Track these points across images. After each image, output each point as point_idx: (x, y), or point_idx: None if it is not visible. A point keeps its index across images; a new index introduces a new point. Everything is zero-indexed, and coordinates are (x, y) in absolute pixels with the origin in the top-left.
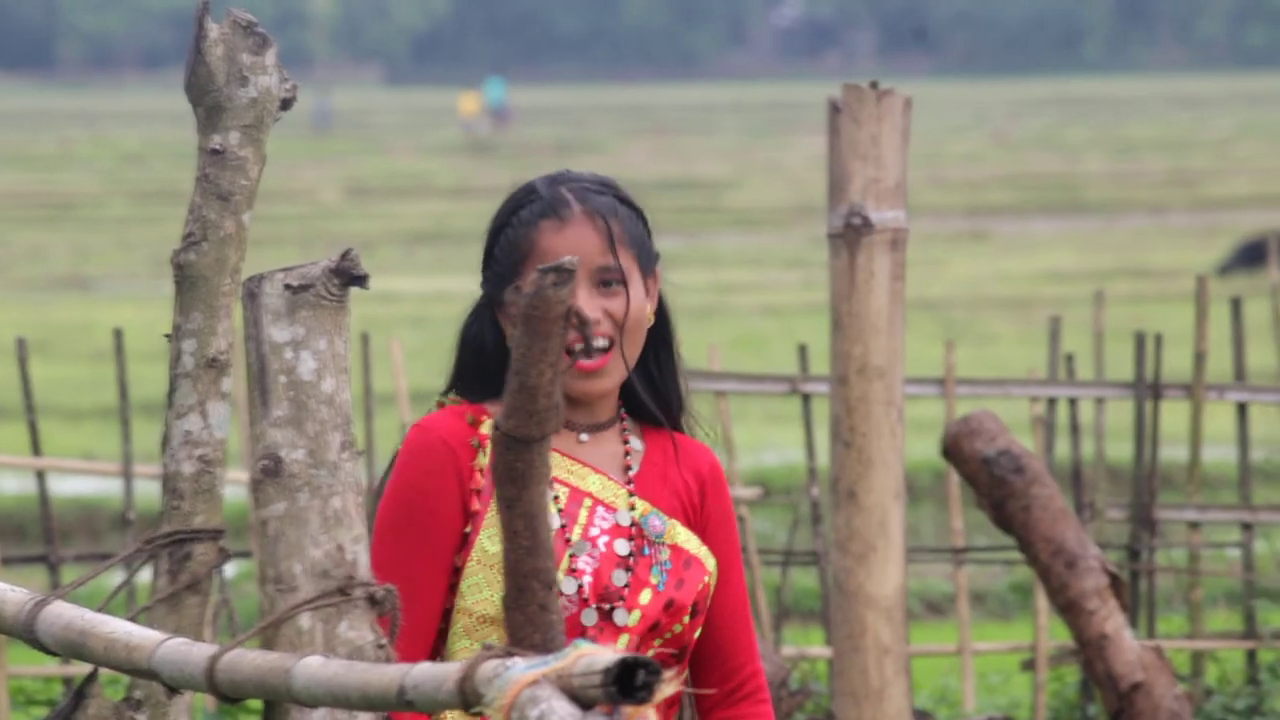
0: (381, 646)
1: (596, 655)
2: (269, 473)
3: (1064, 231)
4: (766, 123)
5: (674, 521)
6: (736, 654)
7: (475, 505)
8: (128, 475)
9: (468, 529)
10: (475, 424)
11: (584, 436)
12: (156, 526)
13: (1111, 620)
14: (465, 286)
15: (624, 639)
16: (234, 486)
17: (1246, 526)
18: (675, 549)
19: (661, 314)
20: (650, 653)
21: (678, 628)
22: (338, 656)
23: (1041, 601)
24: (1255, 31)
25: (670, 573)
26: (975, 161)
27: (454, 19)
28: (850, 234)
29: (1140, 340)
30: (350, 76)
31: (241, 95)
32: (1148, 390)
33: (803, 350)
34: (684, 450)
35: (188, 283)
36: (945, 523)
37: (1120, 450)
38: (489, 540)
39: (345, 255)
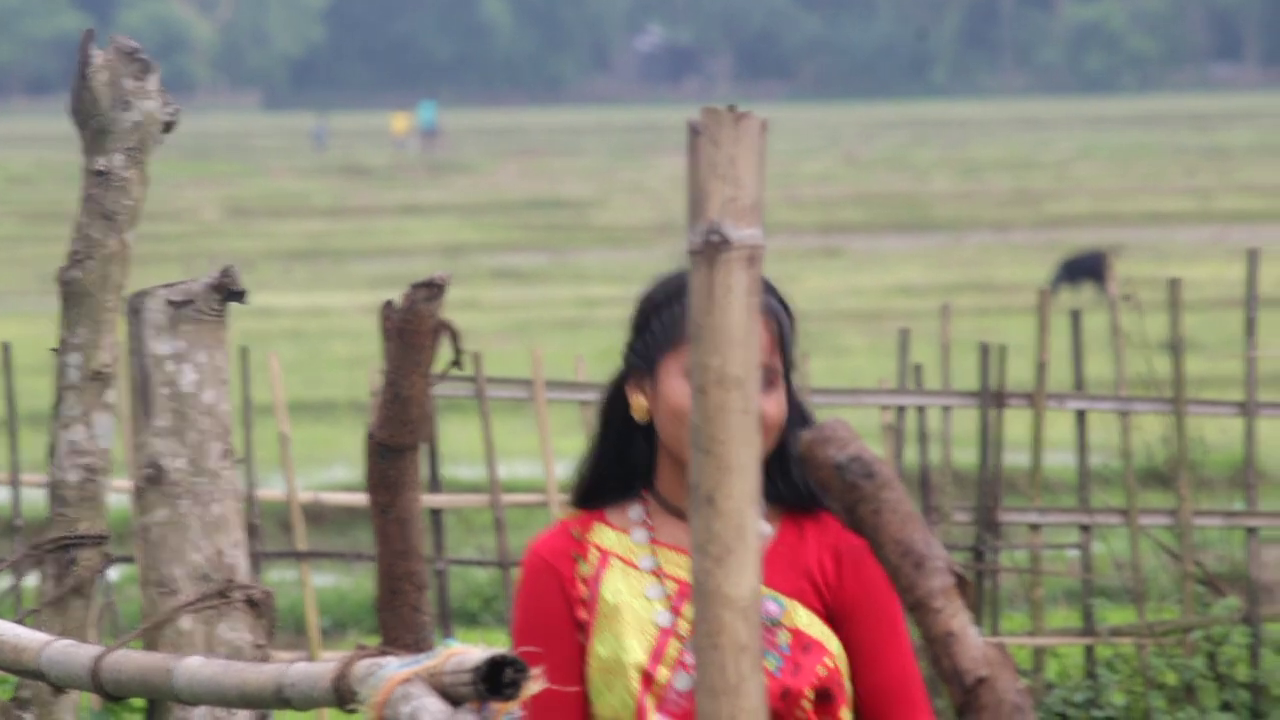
0: (260, 647)
1: (466, 654)
2: (151, 480)
3: (913, 248)
4: (629, 144)
5: (794, 603)
6: None
7: (582, 614)
8: (15, 484)
9: (581, 639)
10: (580, 537)
11: None
12: (43, 533)
13: (957, 618)
14: (340, 302)
15: None
16: (118, 494)
17: (1085, 528)
18: (795, 633)
19: (799, 405)
20: None
21: (799, 714)
22: (218, 656)
23: None
24: (1093, 57)
25: (787, 659)
26: (828, 181)
27: (330, 46)
28: (709, 250)
29: (985, 351)
30: (230, 101)
31: (125, 119)
32: (992, 399)
33: None
34: (822, 527)
35: (73, 298)
36: None
37: (966, 456)
38: (600, 645)
39: (225, 272)
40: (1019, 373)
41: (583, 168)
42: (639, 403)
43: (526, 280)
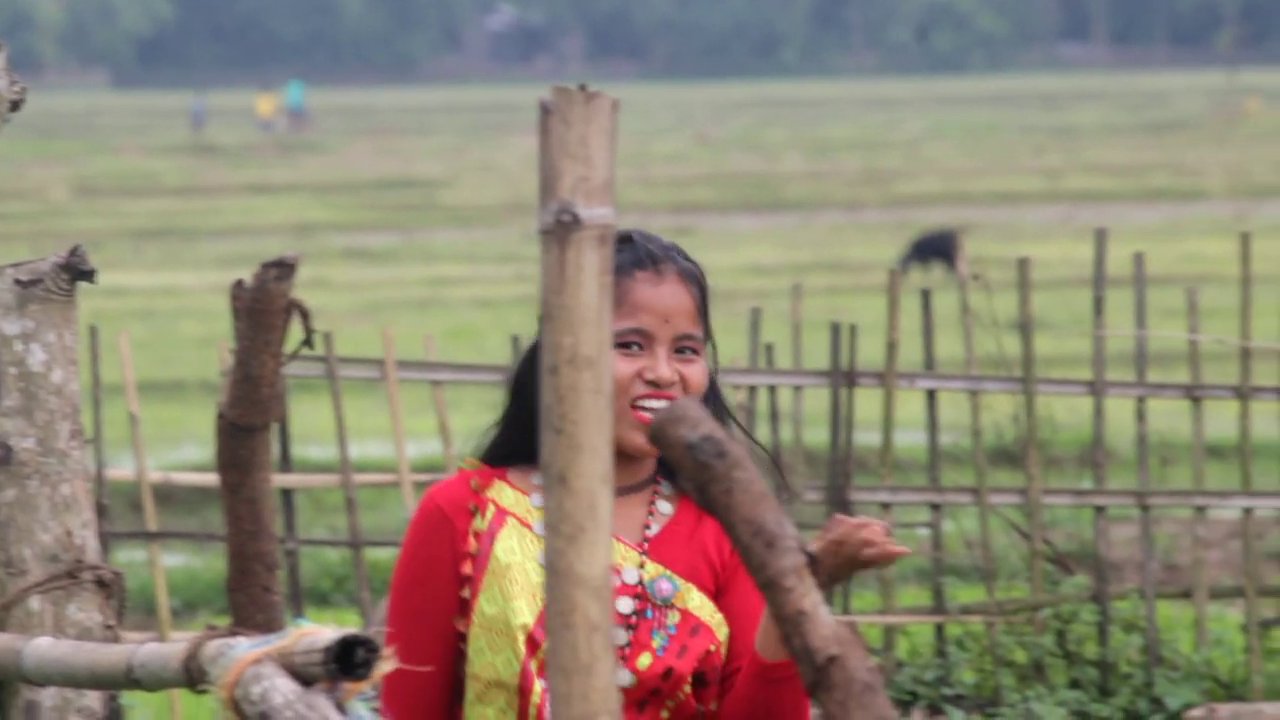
0: (110, 627)
1: (318, 634)
2: (0, 460)
3: (764, 227)
4: (481, 124)
5: (689, 586)
6: None
7: (467, 569)
8: None
9: (465, 593)
10: (479, 489)
11: None
12: None
13: (809, 597)
14: (191, 281)
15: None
16: None
17: (935, 507)
18: (685, 614)
19: (713, 385)
20: (663, 715)
21: (680, 695)
22: (67, 637)
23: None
24: (942, 38)
25: (674, 639)
26: (679, 161)
27: (178, 24)
28: (560, 230)
29: (835, 330)
30: (78, 80)
31: None
32: (843, 378)
33: (515, 341)
34: None
35: None
36: None
37: (817, 435)
38: (487, 603)
39: (73, 251)
40: (870, 352)
41: (433, 147)
42: None
43: (377, 260)
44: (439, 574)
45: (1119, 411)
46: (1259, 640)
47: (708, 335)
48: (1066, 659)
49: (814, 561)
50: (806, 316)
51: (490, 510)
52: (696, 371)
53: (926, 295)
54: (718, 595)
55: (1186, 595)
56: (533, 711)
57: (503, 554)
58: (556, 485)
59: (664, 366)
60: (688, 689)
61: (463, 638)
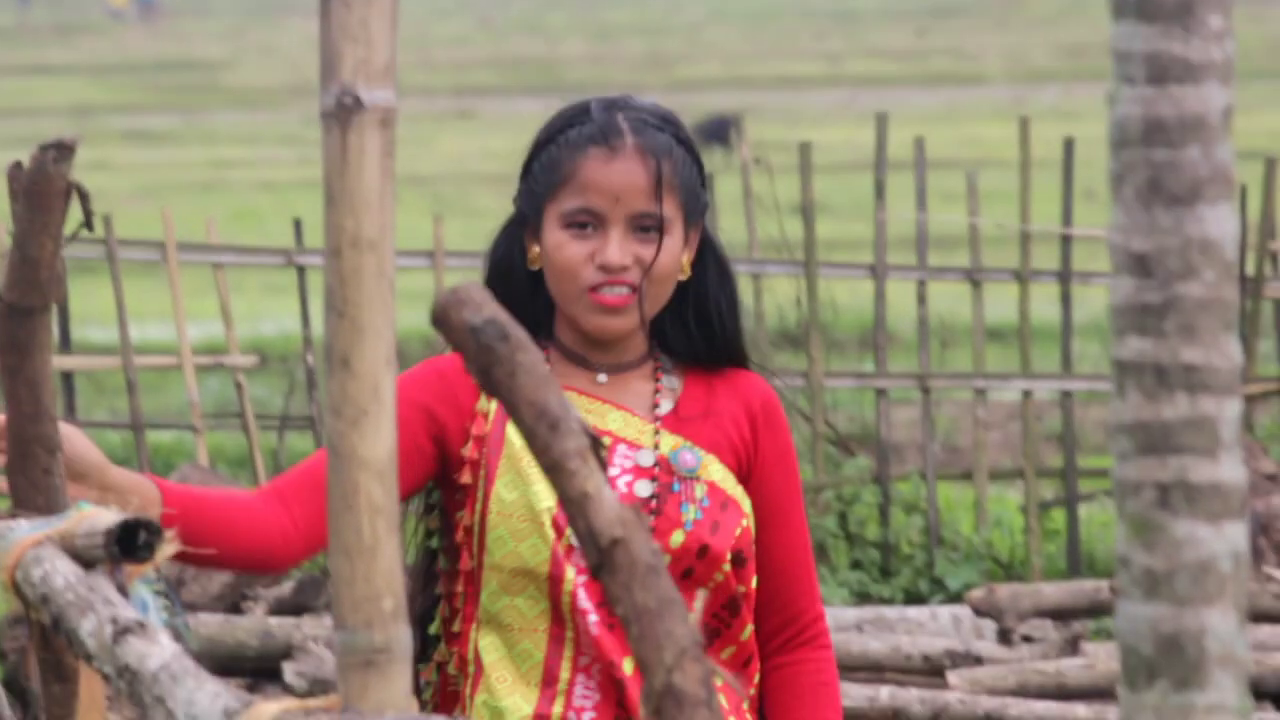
0: None
1: (99, 517)
2: None
3: (546, 111)
4: (261, 5)
5: (711, 457)
6: (797, 599)
7: (469, 451)
8: None
9: (466, 479)
10: None
11: (602, 377)
12: None
13: (592, 480)
14: None
15: None
16: None
17: None
18: (712, 487)
19: (715, 260)
20: (696, 604)
21: (719, 576)
22: None
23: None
24: None
25: (706, 512)
26: (461, 44)
27: None
28: (342, 113)
29: None
30: None
31: None
32: None
33: (298, 224)
34: (733, 384)
35: None
36: None
37: None
38: (505, 488)
39: None
40: None
41: (214, 29)
42: (534, 251)
43: (157, 142)
44: (417, 413)
45: (900, 294)
46: (1038, 521)
47: (694, 210)
48: (848, 540)
49: (598, 444)
50: None
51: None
52: (659, 255)
53: (709, 179)
54: (745, 479)
55: (967, 477)
56: (565, 599)
57: (517, 437)
58: (339, 368)
59: (613, 249)
60: (726, 568)
61: (468, 530)
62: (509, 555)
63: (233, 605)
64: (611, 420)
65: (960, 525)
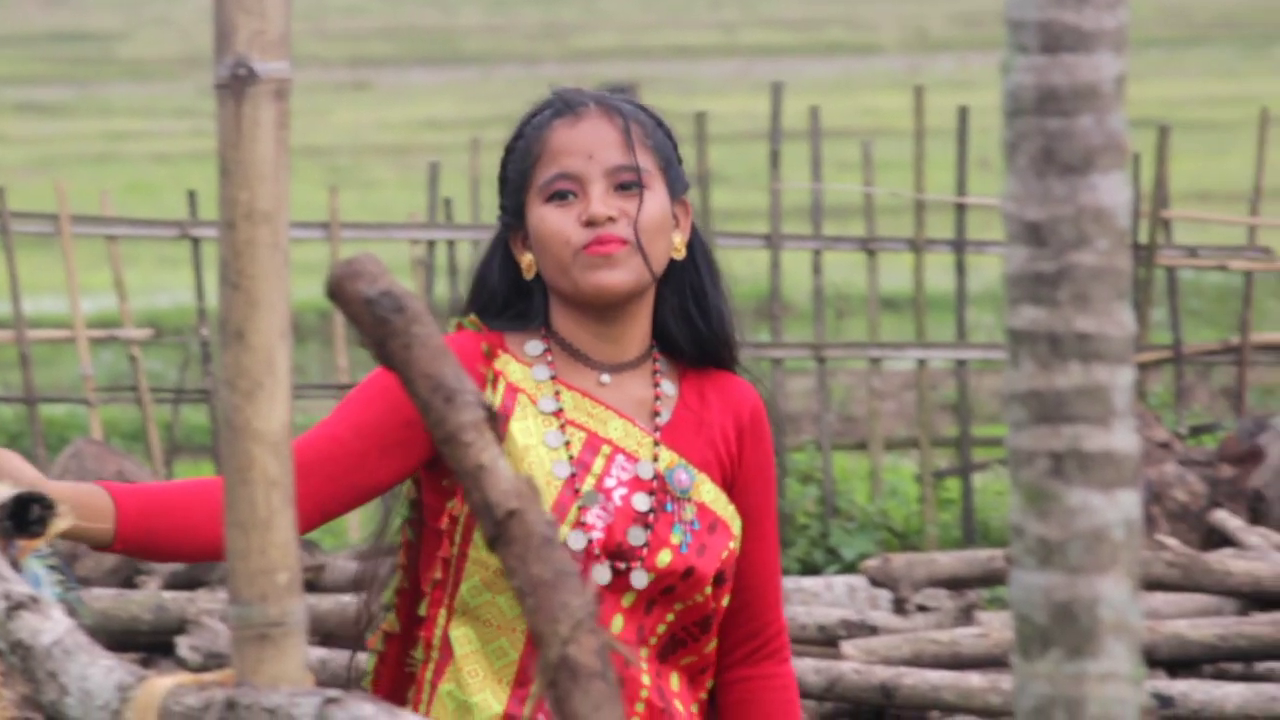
0: None
1: None
2: None
3: (442, 81)
4: None
5: (703, 476)
6: (763, 612)
7: None
8: None
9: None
10: (490, 355)
11: (605, 378)
12: None
13: (488, 452)
14: None
15: (629, 596)
16: None
17: None
18: (702, 509)
19: (702, 249)
20: (669, 617)
21: (699, 597)
22: None
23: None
24: None
25: (695, 535)
26: (357, 14)
27: None
28: (236, 84)
29: None
30: None
31: None
32: None
33: (192, 196)
34: (724, 392)
35: None
36: (331, 360)
37: None
38: None
39: None
40: None
41: (107, 0)
42: (526, 259)
43: (50, 114)
44: (403, 402)
45: (795, 264)
46: (933, 490)
47: (674, 178)
48: None
49: (493, 416)
50: (485, 171)
51: (502, 385)
52: (644, 203)
53: None
54: (728, 490)
55: (862, 446)
56: None
57: (520, 435)
58: (234, 341)
59: (597, 203)
60: (709, 590)
61: (454, 520)
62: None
63: (126, 580)
64: (613, 428)
65: (855, 495)
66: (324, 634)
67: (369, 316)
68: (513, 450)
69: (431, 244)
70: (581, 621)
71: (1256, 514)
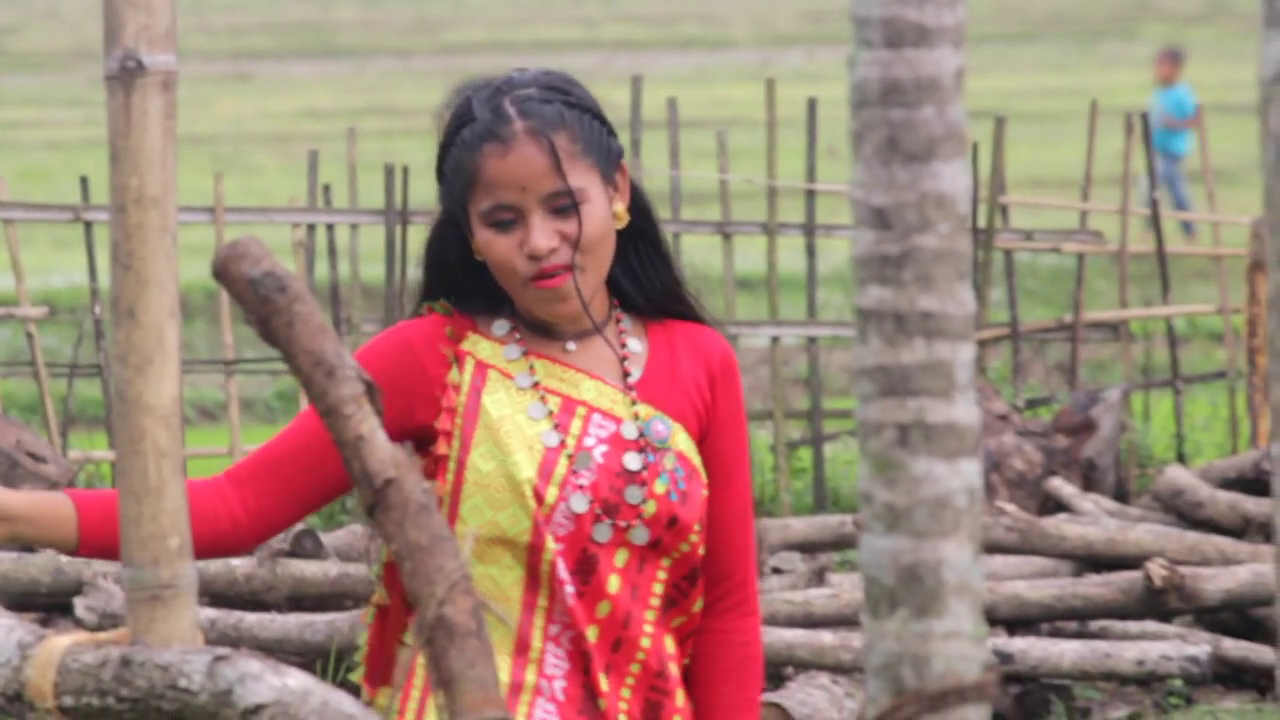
0: None
1: None
2: None
3: (320, 74)
4: None
5: (678, 426)
6: (730, 560)
7: (442, 423)
8: None
9: (442, 450)
10: (455, 338)
11: (571, 345)
12: None
13: (366, 423)
14: None
15: (623, 554)
16: None
17: None
18: (681, 457)
19: (639, 205)
20: (660, 575)
21: (684, 546)
22: None
23: (304, 407)
24: None
25: (675, 482)
26: (238, 10)
27: None
28: (125, 76)
29: (390, 172)
30: None
31: None
32: (396, 216)
33: (84, 182)
34: (693, 343)
35: None
36: (218, 337)
37: (373, 271)
38: (481, 459)
39: None
40: (421, 192)
41: None
42: (477, 243)
43: None
44: (390, 400)
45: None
46: (786, 460)
47: (607, 163)
48: None
49: (372, 390)
50: (361, 159)
51: (470, 364)
52: (583, 222)
53: None
54: (700, 441)
55: None
56: (545, 568)
57: (493, 407)
58: (125, 319)
59: (537, 236)
60: (694, 538)
61: (439, 499)
62: (485, 524)
63: (26, 544)
64: (585, 389)
65: None
66: (213, 595)
67: (253, 295)
68: (487, 422)
69: (311, 227)
70: (456, 583)
71: (1089, 481)
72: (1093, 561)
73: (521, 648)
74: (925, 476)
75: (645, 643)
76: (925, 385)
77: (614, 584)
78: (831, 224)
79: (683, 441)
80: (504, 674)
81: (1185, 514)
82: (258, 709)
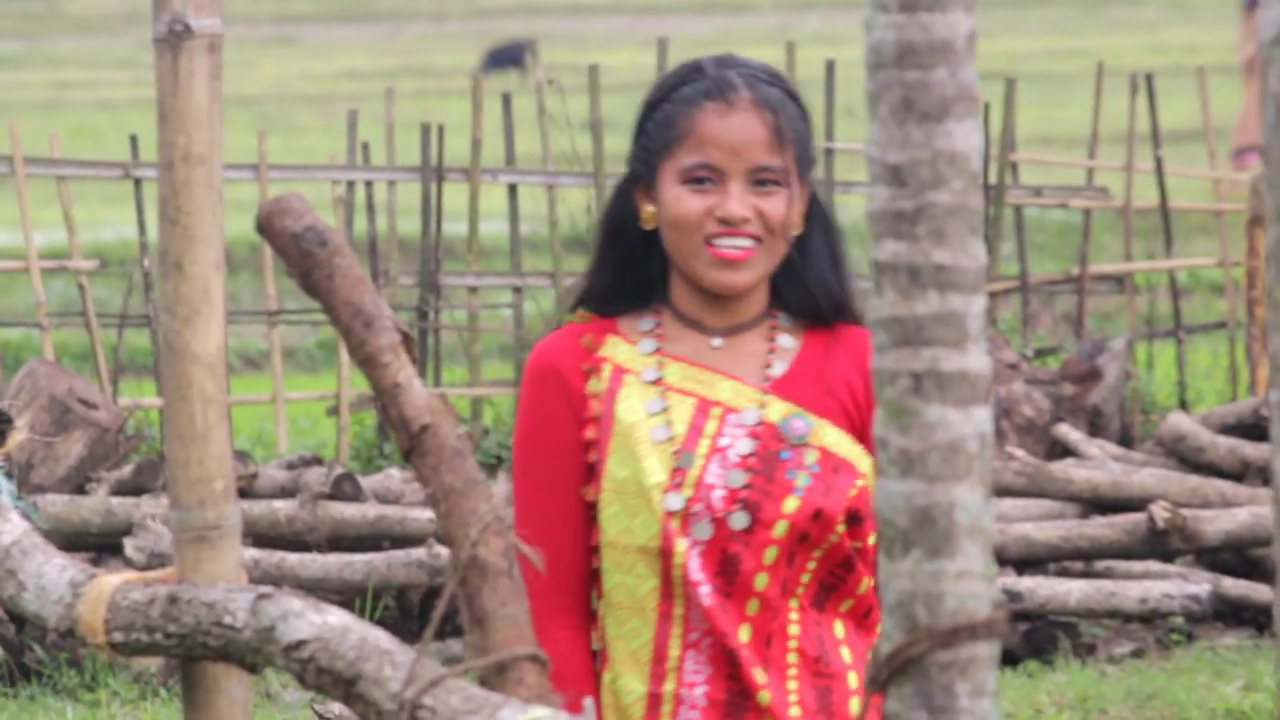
0: None
1: None
2: None
3: (358, 37)
4: None
5: (823, 422)
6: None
7: (590, 433)
8: None
9: (592, 458)
10: (591, 348)
11: (717, 341)
12: None
13: (403, 371)
14: None
15: (771, 551)
16: None
17: (517, 290)
18: (824, 452)
19: (820, 217)
20: (810, 565)
21: (833, 538)
22: None
23: (344, 356)
24: None
25: (817, 478)
26: None
27: None
28: (173, 39)
29: (425, 130)
30: None
31: None
32: (432, 173)
33: (134, 140)
34: (848, 344)
35: None
36: (261, 289)
37: (409, 225)
38: (618, 466)
39: None
40: (456, 150)
41: None
42: (648, 211)
43: (2, 65)
44: (558, 434)
45: None
46: None
47: (805, 164)
48: None
49: (408, 339)
50: (398, 118)
51: (607, 370)
52: (777, 205)
53: (507, 98)
54: (861, 441)
55: None
56: (676, 572)
57: (625, 414)
58: (173, 272)
59: (734, 203)
60: (841, 529)
61: (592, 506)
62: (623, 532)
63: (78, 487)
64: (721, 390)
65: None
66: (255, 536)
67: (295, 249)
68: (620, 429)
69: (350, 184)
70: (490, 525)
71: (1095, 427)
72: (1098, 504)
73: (659, 657)
74: (938, 423)
75: (794, 630)
76: (938, 335)
77: (761, 581)
78: (849, 181)
79: (829, 436)
80: (641, 685)
81: (1187, 458)
82: (299, 644)
